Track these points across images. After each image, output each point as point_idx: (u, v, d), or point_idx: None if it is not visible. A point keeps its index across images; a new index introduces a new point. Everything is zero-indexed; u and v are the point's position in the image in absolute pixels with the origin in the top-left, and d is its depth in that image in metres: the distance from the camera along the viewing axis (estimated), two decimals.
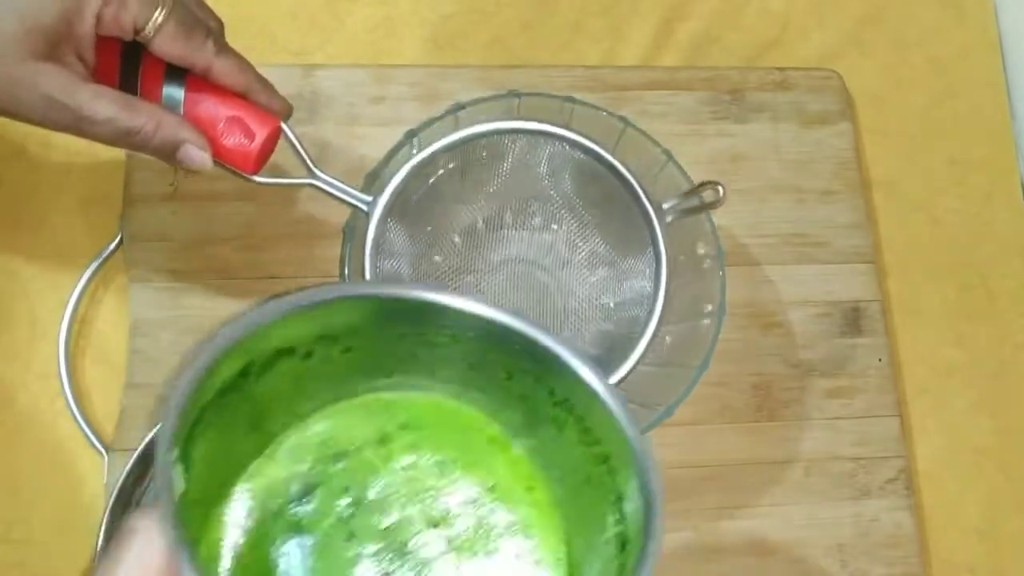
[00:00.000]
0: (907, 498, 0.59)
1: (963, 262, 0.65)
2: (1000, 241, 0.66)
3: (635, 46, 0.67)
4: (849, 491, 0.58)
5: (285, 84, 0.60)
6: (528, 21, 0.66)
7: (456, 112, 0.53)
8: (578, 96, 0.54)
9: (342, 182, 0.49)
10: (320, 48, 0.64)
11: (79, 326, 0.57)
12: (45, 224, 0.58)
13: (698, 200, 0.50)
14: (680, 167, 0.53)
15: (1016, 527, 0.61)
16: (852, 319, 0.61)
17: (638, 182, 0.50)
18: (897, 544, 0.58)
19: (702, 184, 0.50)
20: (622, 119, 0.54)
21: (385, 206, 0.49)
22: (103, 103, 0.43)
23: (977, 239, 0.66)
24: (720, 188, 0.48)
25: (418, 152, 0.52)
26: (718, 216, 0.53)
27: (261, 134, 0.47)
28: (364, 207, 0.49)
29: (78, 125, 0.43)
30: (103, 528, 0.50)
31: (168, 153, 0.45)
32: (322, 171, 0.49)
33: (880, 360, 0.61)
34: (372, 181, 0.51)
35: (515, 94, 0.53)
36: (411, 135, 0.52)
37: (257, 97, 0.48)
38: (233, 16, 0.63)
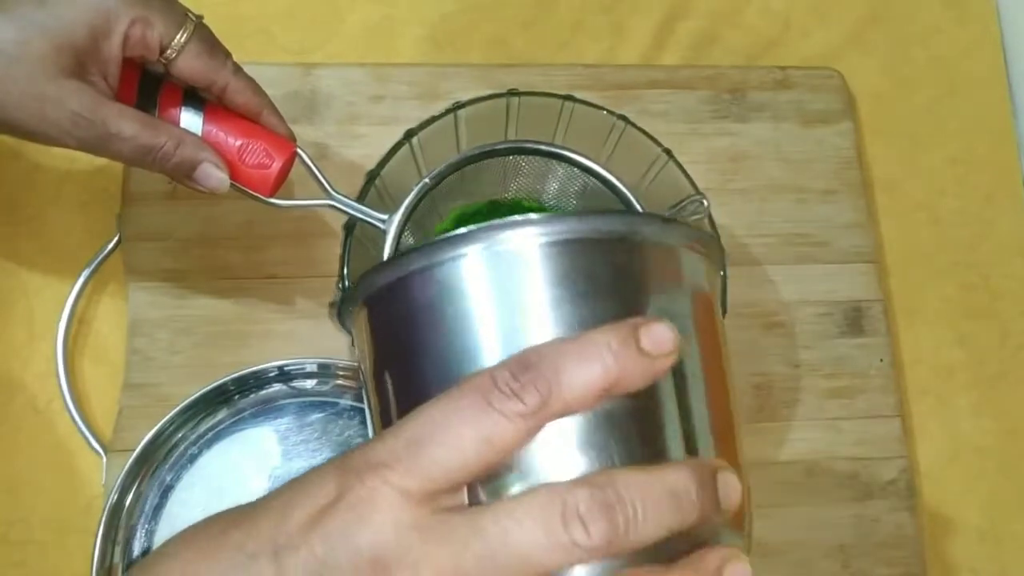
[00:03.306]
0: (908, 499, 0.58)
1: (965, 262, 0.65)
2: (1002, 241, 0.66)
3: (635, 45, 0.66)
4: (850, 492, 0.58)
5: (285, 83, 0.60)
6: (528, 20, 0.66)
7: (456, 111, 0.52)
8: (578, 95, 0.53)
9: (359, 201, 0.50)
10: (319, 47, 0.64)
11: (77, 326, 0.57)
12: (44, 223, 0.58)
13: (689, 209, 0.51)
14: (681, 166, 0.53)
15: (1018, 528, 0.60)
16: (853, 319, 0.61)
17: (635, 198, 0.51)
18: (898, 545, 0.57)
19: (687, 198, 0.51)
20: (622, 118, 0.54)
21: (399, 224, 0.50)
22: (127, 121, 0.44)
23: (979, 239, 0.66)
24: (704, 201, 0.51)
25: (419, 153, 0.53)
26: (718, 216, 0.53)
27: (280, 158, 0.48)
28: (382, 225, 0.50)
29: (102, 142, 0.44)
30: (102, 528, 0.50)
31: (186, 172, 0.46)
32: (338, 191, 0.50)
33: (881, 360, 0.60)
34: (372, 180, 0.51)
35: (514, 93, 0.53)
36: (410, 134, 0.52)
37: (269, 120, 0.48)
38: (233, 16, 0.63)
